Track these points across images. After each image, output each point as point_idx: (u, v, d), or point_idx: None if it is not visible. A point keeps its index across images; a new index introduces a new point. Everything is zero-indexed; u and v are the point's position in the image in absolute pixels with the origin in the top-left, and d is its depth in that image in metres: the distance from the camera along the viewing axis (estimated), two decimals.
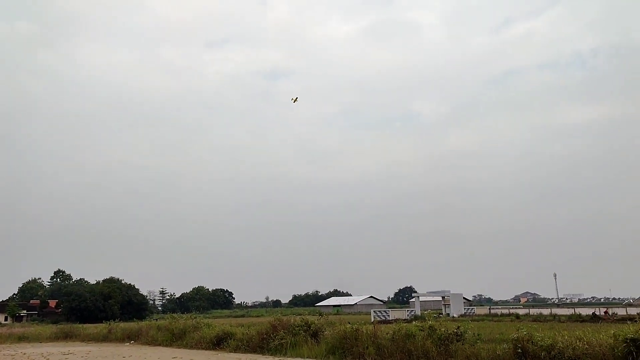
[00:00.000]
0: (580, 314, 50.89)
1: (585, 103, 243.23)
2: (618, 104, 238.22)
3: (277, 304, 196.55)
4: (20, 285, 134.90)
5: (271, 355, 20.67)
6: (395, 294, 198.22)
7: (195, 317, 31.62)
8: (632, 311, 50.48)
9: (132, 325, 36.85)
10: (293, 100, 45.10)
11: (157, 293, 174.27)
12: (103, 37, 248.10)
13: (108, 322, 39.42)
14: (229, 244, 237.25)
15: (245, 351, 22.45)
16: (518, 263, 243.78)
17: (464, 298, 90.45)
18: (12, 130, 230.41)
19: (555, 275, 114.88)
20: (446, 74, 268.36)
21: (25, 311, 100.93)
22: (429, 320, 18.23)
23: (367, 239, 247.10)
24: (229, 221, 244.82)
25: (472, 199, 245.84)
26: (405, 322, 27.11)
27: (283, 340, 21.20)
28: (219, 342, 24.82)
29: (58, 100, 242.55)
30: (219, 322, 35.35)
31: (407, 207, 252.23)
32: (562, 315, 51.26)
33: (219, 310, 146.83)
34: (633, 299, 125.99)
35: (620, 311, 54.23)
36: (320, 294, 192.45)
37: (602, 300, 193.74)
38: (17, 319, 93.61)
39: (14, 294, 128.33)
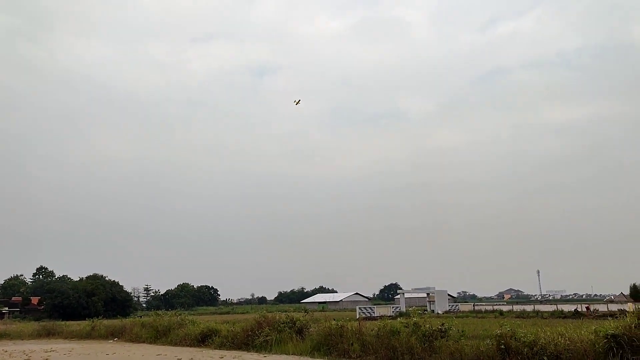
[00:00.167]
0: (562, 311, 51.53)
1: (569, 102, 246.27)
2: (601, 103, 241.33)
3: (262, 300, 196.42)
4: (2, 282, 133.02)
5: (256, 352, 20.64)
6: (381, 291, 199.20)
7: (180, 314, 31.45)
8: (613, 307, 51.20)
9: (116, 322, 36.56)
10: (296, 103, 45.92)
11: (142, 290, 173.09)
12: (87, 32, 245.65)
13: (91, 319, 39.06)
14: (214, 241, 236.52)
15: (230, 348, 22.40)
16: (502, 260, 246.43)
17: (449, 295, 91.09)
18: None
19: (538, 273, 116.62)
20: (433, 71, 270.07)
21: (7, 308, 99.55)
22: (413, 316, 18.33)
23: (353, 235, 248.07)
24: (214, 218, 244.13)
25: (457, 196, 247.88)
26: (390, 319, 27.25)
27: (268, 337, 21.18)
28: (203, 339, 24.74)
29: (40, 95, 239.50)
30: (204, 319, 35.20)
31: (393, 204, 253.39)
32: (545, 312, 51.88)
33: (204, 307, 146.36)
34: (614, 295, 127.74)
35: (602, 307, 54.99)
36: (305, 291, 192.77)
37: (584, 297, 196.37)
38: None
39: None
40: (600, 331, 13.66)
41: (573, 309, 52.07)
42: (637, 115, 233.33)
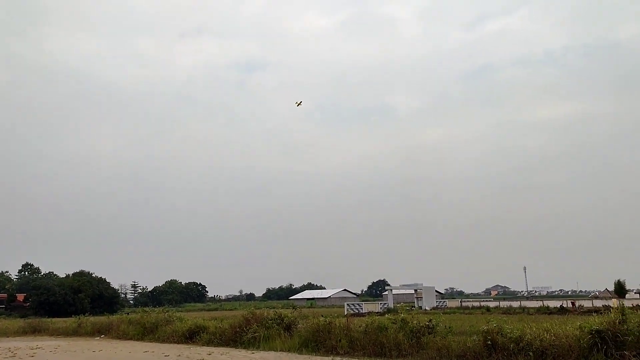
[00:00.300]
0: (548, 307, 52.11)
1: (555, 100, 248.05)
2: (587, 101, 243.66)
3: (250, 297, 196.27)
4: None
5: (244, 348, 20.63)
6: (369, 287, 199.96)
7: (167, 311, 31.30)
8: (598, 303, 51.86)
9: (103, 319, 36.29)
10: (297, 104, 47.23)
11: (129, 287, 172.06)
12: (74, 25, 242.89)
13: (78, 316, 38.73)
14: (203, 237, 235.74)
15: (218, 345, 22.36)
16: (489, 257, 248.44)
17: (436, 291, 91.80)
18: None
19: (525, 269, 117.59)
20: (421, 68, 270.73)
21: None
22: (401, 313, 18.48)
23: (341, 232, 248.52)
24: (202, 214, 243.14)
25: (445, 192, 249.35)
26: (378, 315, 27.33)
27: (256, 334, 21.18)
28: (191, 336, 24.65)
29: (25, 89, 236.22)
30: (192, 316, 35.09)
31: (382, 201, 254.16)
32: (531, 308, 52.40)
33: (192, 304, 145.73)
34: (599, 291, 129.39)
35: (587, 303, 55.74)
36: (294, 287, 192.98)
37: (569, 293, 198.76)
38: None
39: None
40: (585, 327, 13.83)
41: (559, 305, 52.67)
42: (622, 113, 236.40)
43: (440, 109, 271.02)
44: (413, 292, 77.12)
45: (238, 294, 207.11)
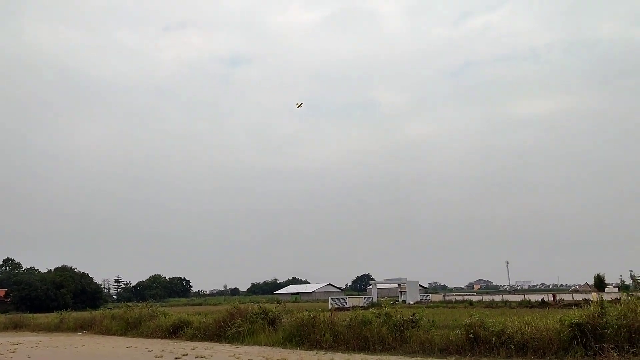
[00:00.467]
0: (530, 300, 52.72)
1: (538, 96, 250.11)
2: (569, 97, 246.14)
3: (235, 292, 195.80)
4: None
5: (228, 343, 20.62)
6: (353, 282, 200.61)
7: (151, 306, 31.13)
8: (578, 297, 52.61)
9: (85, 314, 35.99)
10: (297, 106, 48.94)
11: (112, 282, 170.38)
12: (55, 18, 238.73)
13: (60, 311, 38.39)
14: (187, 232, 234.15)
15: (202, 339, 22.32)
16: (472, 252, 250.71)
17: (420, 285, 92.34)
18: None
19: (507, 264, 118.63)
20: (405, 64, 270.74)
21: None
22: (385, 307, 18.59)
23: (326, 227, 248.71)
24: (186, 209, 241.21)
25: (427, 188, 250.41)
26: (362, 309, 27.51)
27: (240, 328, 21.17)
28: (175, 331, 24.56)
29: (4, 80, 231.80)
30: (176, 311, 34.95)
31: (365, 196, 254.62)
32: (513, 302, 53.00)
33: (176, 299, 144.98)
34: (579, 285, 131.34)
35: (567, 297, 56.55)
36: (278, 282, 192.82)
37: (550, 287, 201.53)
38: None
39: None
40: (565, 320, 14.07)
41: (540, 299, 53.37)
42: (603, 109, 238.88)
43: (424, 104, 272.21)
44: (397, 286, 77.46)
45: (222, 288, 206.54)
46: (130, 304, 32.61)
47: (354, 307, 47.03)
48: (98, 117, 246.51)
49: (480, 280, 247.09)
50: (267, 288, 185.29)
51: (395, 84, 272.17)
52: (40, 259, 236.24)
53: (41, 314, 52.09)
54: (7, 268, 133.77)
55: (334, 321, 18.75)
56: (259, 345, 19.42)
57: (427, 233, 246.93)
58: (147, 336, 25.35)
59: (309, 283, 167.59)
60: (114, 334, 27.84)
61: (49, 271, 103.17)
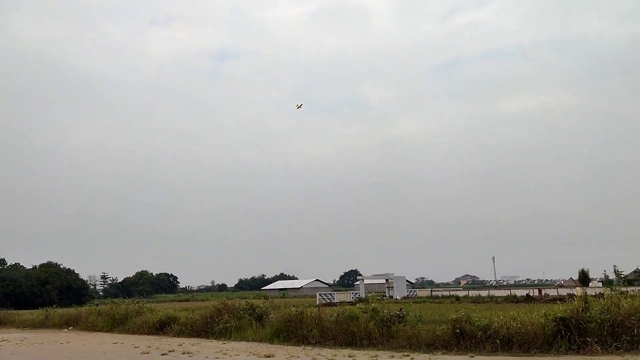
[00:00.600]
0: (515, 295, 53.26)
1: (525, 93, 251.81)
2: (556, 94, 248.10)
3: (222, 288, 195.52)
4: None
5: (215, 339, 20.60)
6: (341, 277, 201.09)
7: (137, 302, 31.00)
8: (563, 292, 53.23)
9: (71, 311, 35.72)
10: (297, 107, 49.33)
11: (99, 278, 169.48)
12: (41, 11, 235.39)
13: (45, 308, 38.07)
14: (174, 228, 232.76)
15: (189, 335, 22.26)
16: (459, 247, 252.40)
17: (407, 281, 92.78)
18: None
19: (493, 259, 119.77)
20: (394, 60, 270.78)
21: None
22: (372, 302, 18.66)
23: (313, 223, 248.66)
24: (173, 205, 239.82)
25: (415, 184, 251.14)
26: (349, 305, 27.57)
27: (228, 324, 21.16)
28: (162, 327, 24.47)
29: None
30: (163, 307, 34.78)
31: (354, 192, 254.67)
32: (499, 297, 53.51)
33: (163, 295, 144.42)
34: (564, 280, 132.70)
35: (552, 292, 57.18)
36: (266, 278, 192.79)
37: (536, 282, 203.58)
38: None
39: None
40: (549, 314, 14.24)
41: (525, 294, 53.91)
42: (590, 106, 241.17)
43: (412, 101, 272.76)
44: (384, 281, 77.81)
45: (210, 284, 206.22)
46: (116, 300, 32.38)
47: (341, 303, 47.15)
48: (88, 112, 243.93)
49: (467, 275, 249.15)
50: (255, 284, 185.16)
51: (384, 79, 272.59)
52: (25, 255, 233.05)
53: (26, 310, 51.57)
54: None
55: (321, 317, 18.79)
56: (246, 340, 19.42)
57: (414, 229, 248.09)
58: (133, 332, 25.24)
59: (297, 279, 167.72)
60: (100, 331, 27.68)
61: (34, 267, 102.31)
